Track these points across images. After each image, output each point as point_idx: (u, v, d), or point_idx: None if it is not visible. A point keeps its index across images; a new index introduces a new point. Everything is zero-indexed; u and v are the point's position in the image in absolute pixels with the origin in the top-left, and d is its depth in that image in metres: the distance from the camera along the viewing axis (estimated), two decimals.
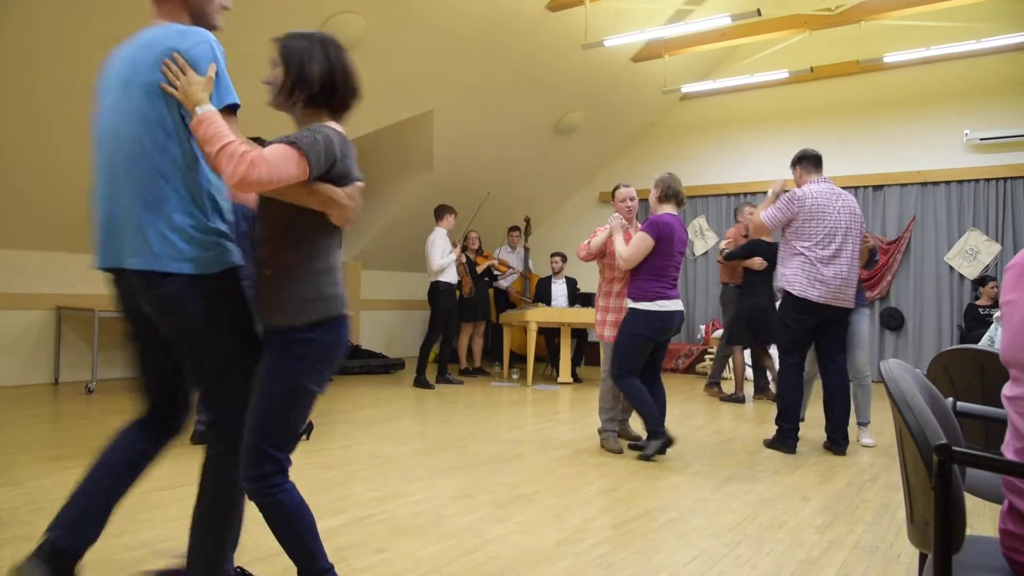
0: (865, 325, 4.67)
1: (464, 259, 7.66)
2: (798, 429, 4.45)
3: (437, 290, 7.13)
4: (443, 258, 7.10)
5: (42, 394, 5.95)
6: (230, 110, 1.91)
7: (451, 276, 7.21)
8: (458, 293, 7.55)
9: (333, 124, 2.02)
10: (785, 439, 4.43)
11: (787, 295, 4.42)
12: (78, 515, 1.98)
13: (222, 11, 2.17)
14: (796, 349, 4.44)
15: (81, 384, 6.41)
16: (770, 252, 5.80)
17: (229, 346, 1.95)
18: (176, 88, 1.84)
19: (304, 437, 4.43)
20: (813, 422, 5.03)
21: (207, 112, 1.79)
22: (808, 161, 4.51)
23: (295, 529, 1.92)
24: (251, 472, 1.88)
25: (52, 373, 6.55)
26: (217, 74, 1.91)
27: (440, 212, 7.32)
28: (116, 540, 2.59)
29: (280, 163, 1.78)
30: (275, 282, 1.92)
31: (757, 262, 6.02)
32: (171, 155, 1.88)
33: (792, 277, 4.37)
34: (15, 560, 1.94)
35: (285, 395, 1.88)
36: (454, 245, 7.34)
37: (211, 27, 2.08)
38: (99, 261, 2.07)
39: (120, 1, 4.92)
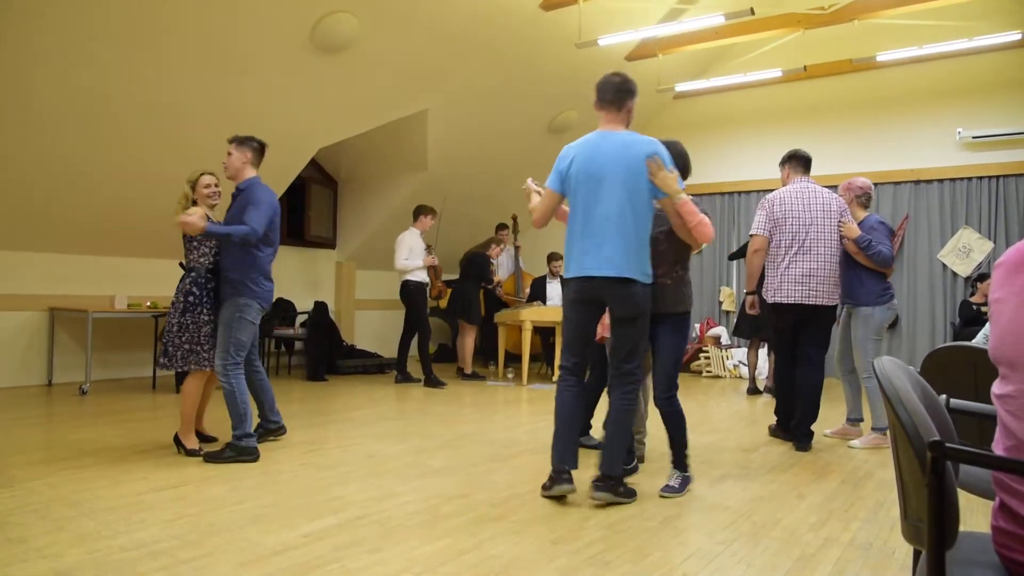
0: (857, 327, 4.59)
1: (436, 262, 7.55)
2: (792, 419, 4.61)
3: (407, 289, 7.15)
4: (407, 259, 7.07)
5: (35, 396, 5.93)
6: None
7: (422, 275, 7.22)
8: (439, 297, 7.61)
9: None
10: (782, 428, 4.68)
11: (770, 303, 4.58)
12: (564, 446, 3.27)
13: None
14: (782, 346, 4.65)
15: (74, 386, 6.38)
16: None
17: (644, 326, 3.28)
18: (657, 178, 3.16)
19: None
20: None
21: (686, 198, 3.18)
22: (797, 161, 4.61)
23: (683, 426, 3.47)
24: (666, 395, 3.41)
25: (45, 375, 6.53)
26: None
27: (416, 212, 7.31)
28: (111, 542, 2.59)
29: (709, 223, 3.25)
30: (674, 287, 3.41)
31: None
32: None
33: (767, 281, 4.54)
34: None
35: (682, 351, 3.44)
36: (429, 248, 7.33)
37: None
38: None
39: (119, 1, 4.90)
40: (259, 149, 4.15)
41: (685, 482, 3.46)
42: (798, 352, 4.58)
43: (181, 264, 4.19)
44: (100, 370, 6.82)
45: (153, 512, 2.95)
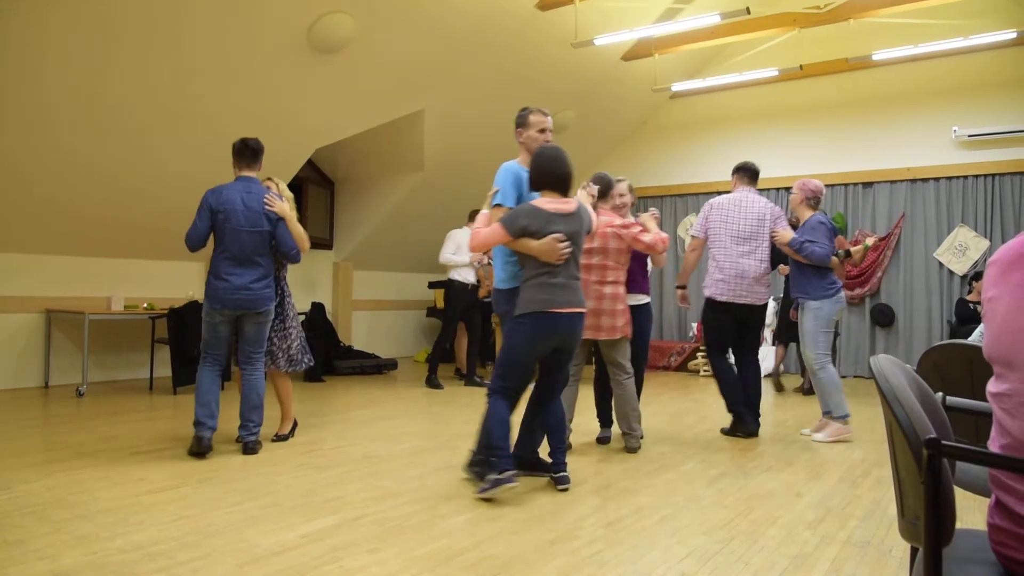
0: (807, 320, 4.78)
1: (487, 261, 7.43)
2: (747, 410, 4.82)
3: (451, 288, 7.15)
4: (454, 255, 7.04)
5: (32, 398, 5.92)
6: (498, 206, 3.46)
7: (465, 275, 7.14)
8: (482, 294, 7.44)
9: (543, 200, 3.41)
10: (745, 422, 4.80)
11: (705, 297, 4.92)
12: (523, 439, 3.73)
13: (542, 140, 3.62)
14: (718, 345, 4.94)
15: (71, 387, 6.37)
16: (783, 257, 5.86)
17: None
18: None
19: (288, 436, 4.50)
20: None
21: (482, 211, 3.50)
22: (744, 173, 5.00)
23: (489, 426, 3.40)
24: (489, 386, 3.49)
25: (42, 377, 6.51)
26: (500, 189, 3.49)
27: (472, 214, 7.15)
28: (109, 543, 2.58)
29: (486, 236, 3.34)
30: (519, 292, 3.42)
31: (782, 268, 6.64)
32: None
33: (707, 279, 4.89)
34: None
35: (506, 351, 3.41)
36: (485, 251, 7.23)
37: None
38: None
39: (119, 2, 4.90)
40: (236, 150, 4.17)
41: (489, 486, 3.23)
42: (738, 354, 4.95)
43: None
44: (97, 372, 6.81)
45: (151, 514, 2.94)
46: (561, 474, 3.47)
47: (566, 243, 3.32)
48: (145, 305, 6.80)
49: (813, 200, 4.93)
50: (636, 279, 4.53)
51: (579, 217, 3.44)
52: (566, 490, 3.42)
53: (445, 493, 3.34)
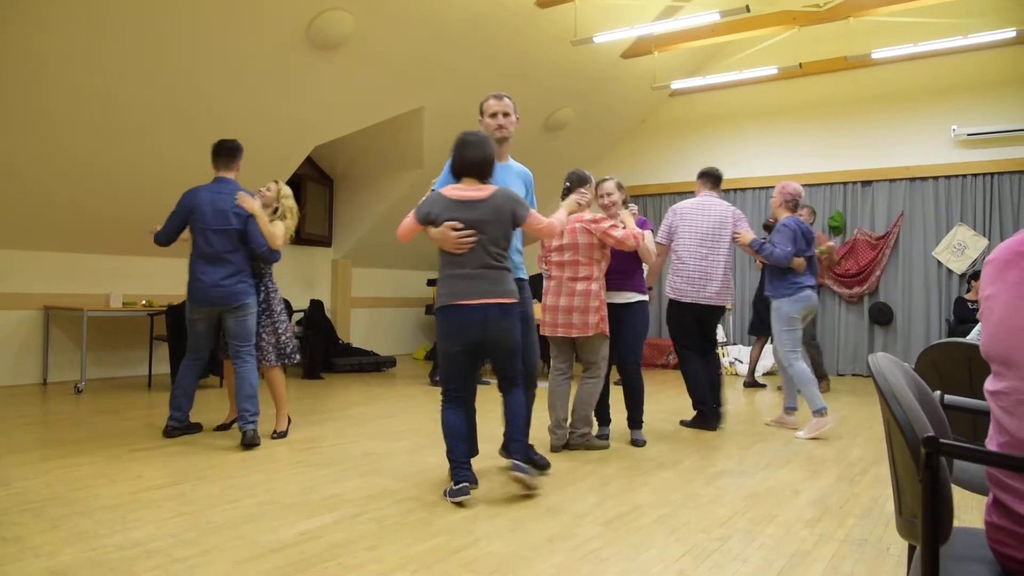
0: (771, 318, 5.00)
1: None
2: (714, 407, 4.97)
3: None
4: None
5: (30, 395, 5.92)
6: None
7: None
8: None
9: (451, 186, 3.31)
10: (707, 419, 4.96)
11: (669, 299, 5.09)
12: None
13: (496, 130, 3.65)
14: (685, 342, 5.07)
15: (70, 384, 6.37)
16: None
17: None
18: None
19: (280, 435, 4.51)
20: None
21: None
22: (707, 178, 5.19)
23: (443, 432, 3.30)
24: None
25: (40, 374, 6.51)
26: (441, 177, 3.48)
27: None
28: (107, 540, 2.58)
29: (402, 224, 3.31)
30: None
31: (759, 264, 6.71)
32: None
33: (669, 280, 5.09)
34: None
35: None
36: None
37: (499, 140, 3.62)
38: None
39: (122, 1, 4.89)
40: (213, 151, 4.35)
41: (453, 493, 3.13)
42: (705, 348, 5.10)
43: None
44: (95, 369, 6.81)
45: (149, 511, 2.94)
46: (515, 462, 3.25)
47: (466, 231, 3.16)
48: (144, 302, 6.79)
49: (792, 203, 5.06)
50: (626, 277, 4.43)
51: (491, 204, 3.20)
52: (525, 480, 3.22)
53: (443, 490, 3.33)
